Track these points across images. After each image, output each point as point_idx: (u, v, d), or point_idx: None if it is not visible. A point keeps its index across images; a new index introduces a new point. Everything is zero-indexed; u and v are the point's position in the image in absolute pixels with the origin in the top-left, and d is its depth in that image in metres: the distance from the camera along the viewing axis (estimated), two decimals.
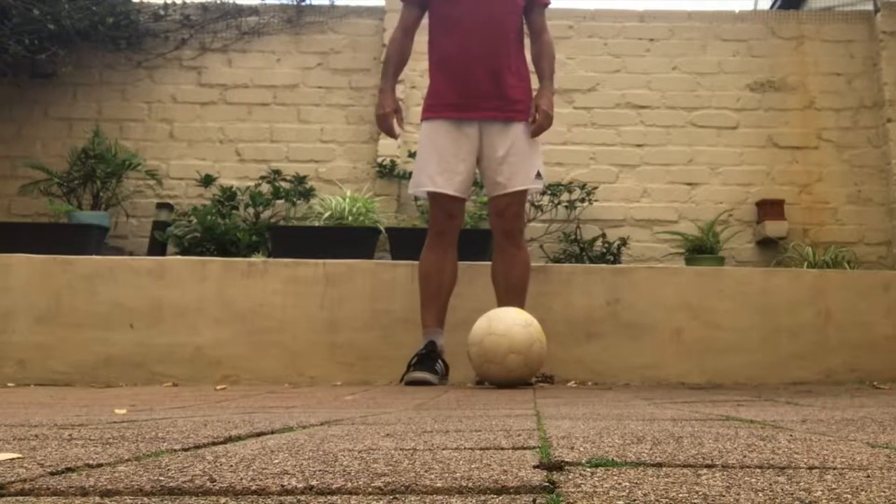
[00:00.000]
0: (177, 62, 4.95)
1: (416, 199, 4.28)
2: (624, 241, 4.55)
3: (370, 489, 0.64)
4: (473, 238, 3.96)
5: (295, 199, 4.39)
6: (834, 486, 0.64)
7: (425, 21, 3.22)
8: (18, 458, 0.82)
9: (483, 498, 0.61)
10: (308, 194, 4.43)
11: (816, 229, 4.70)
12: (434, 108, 3.11)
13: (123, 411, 1.61)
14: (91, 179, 4.38)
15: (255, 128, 4.85)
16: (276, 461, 0.80)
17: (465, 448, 0.91)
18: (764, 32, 4.98)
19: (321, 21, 4.99)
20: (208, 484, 0.66)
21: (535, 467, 0.75)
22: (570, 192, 4.54)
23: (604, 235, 4.57)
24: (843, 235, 4.68)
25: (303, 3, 5.00)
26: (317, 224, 4.01)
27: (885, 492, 0.62)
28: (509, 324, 2.67)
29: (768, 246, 4.65)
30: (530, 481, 0.66)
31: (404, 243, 3.82)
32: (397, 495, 0.62)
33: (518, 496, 0.61)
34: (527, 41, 3.23)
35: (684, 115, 4.86)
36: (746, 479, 0.68)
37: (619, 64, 4.94)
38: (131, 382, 3.28)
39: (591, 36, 4.98)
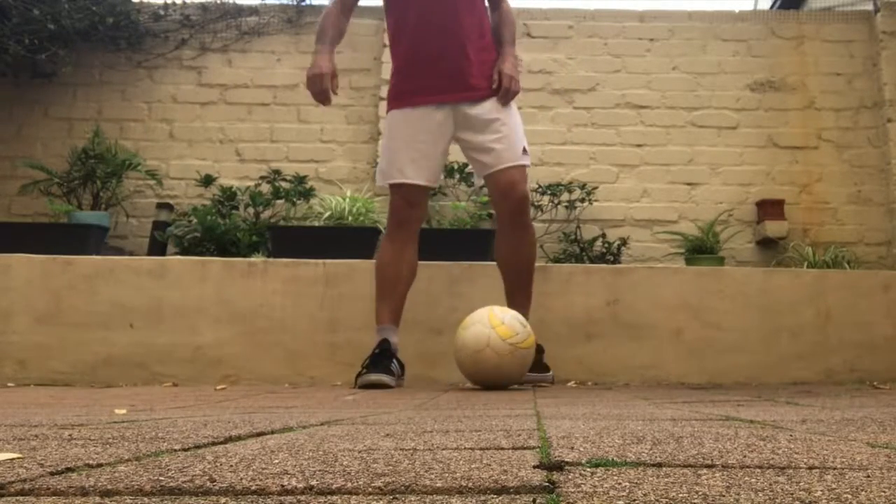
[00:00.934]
0: (177, 62, 4.95)
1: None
2: (624, 241, 4.55)
3: (370, 489, 0.64)
4: (473, 238, 3.96)
5: (295, 199, 4.38)
6: (834, 486, 0.64)
7: None
8: (18, 458, 0.82)
9: (483, 498, 0.61)
10: (308, 194, 4.43)
11: (816, 229, 4.70)
12: (399, 97, 2.93)
13: (123, 411, 1.61)
14: (91, 179, 4.38)
15: (255, 128, 4.85)
16: (276, 461, 0.80)
17: (465, 448, 0.91)
18: (764, 32, 4.98)
19: None
20: (208, 484, 0.66)
21: (535, 467, 0.75)
22: (569, 192, 4.54)
23: (604, 235, 4.57)
24: (843, 235, 4.68)
25: (303, 3, 5.00)
26: (317, 224, 4.01)
27: (885, 492, 0.62)
28: (462, 333, 2.60)
29: (768, 246, 4.65)
30: (530, 481, 0.66)
31: None
32: (397, 495, 0.62)
33: (518, 496, 0.61)
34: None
35: (684, 115, 4.86)
36: (746, 479, 0.68)
37: (619, 64, 4.93)
38: (131, 382, 3.28)
39: (591, 36, 4.98)
